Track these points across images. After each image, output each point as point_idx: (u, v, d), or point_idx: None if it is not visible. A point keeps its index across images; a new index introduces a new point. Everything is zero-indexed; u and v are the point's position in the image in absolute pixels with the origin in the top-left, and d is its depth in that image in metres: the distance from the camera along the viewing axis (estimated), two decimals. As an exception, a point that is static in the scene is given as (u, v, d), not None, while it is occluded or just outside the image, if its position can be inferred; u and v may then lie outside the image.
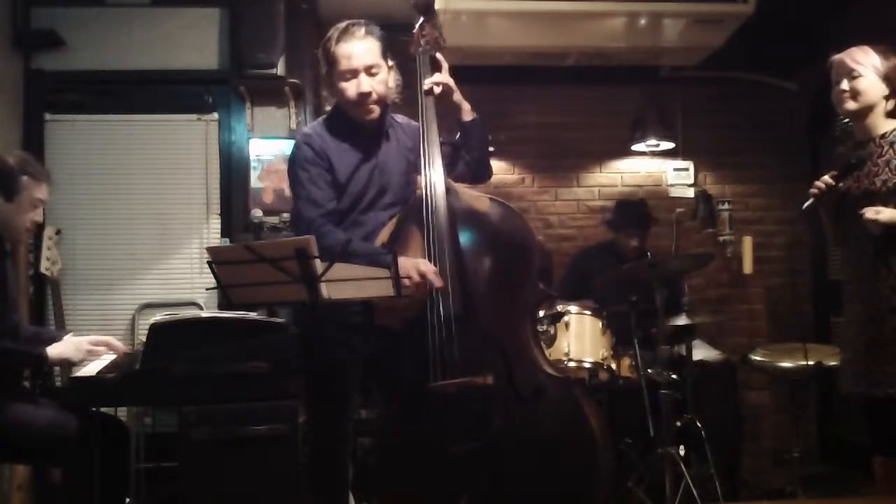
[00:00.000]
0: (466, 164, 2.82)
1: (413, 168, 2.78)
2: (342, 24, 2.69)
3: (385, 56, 2.70)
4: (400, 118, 2.88)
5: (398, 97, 2.80)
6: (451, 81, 2.74)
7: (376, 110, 2.70)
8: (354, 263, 2.45)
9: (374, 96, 2.66)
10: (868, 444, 2.90)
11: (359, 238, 2.62)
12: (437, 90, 2.70)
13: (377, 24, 2.73)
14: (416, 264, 2.48)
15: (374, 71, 2.65)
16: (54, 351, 2.70)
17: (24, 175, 2.79)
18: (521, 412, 2.50)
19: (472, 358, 2.48)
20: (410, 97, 2.78)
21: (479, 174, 2.88)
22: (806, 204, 2.81)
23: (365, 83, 2.64)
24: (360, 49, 2.63)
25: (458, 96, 2.78)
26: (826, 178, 2.77)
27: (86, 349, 2.74)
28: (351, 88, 2.65)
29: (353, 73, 2.64)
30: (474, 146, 2.82)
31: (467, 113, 2.79)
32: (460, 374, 2.46)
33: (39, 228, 4.05)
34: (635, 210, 4.59)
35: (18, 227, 2.82)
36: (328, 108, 2.85)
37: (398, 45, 2.85)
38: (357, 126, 2.73)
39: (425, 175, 2.62)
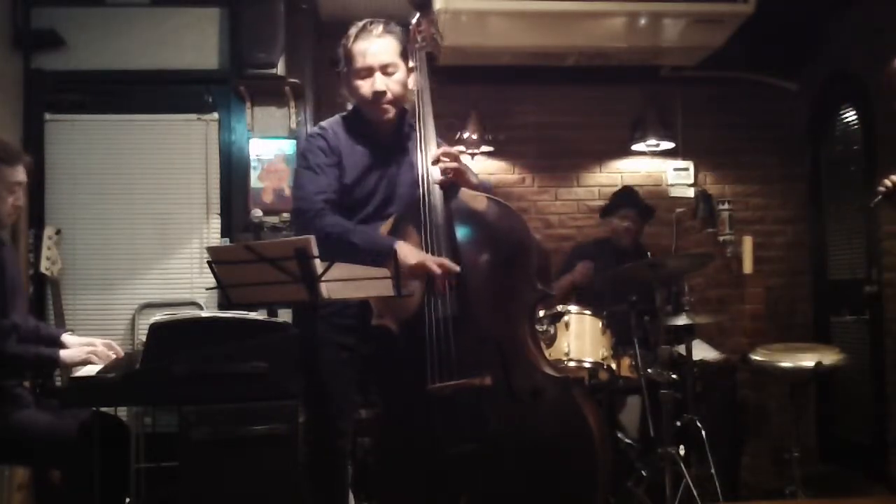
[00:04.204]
0: None
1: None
2: (361, 23, 2.66)
3: (405, 56, 2.66)
4: None
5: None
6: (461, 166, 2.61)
7: (391, 110, 2.66)
8: (356, 244, 2.45)
9: (389, 95, 2.63)
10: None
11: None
12: (449, 174, 2.58)
13: None
14: (424, 257, 2.44)
15: (390, 70, 2.62)
16: (67, 355, 2.71)
17: None
18: (519, 413, 2.49)
19: (469, 359, 2.47)
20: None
21: None
22: (874, 200, 2.73)
23: (379, 82, 2.61)
24: (376, 47, 2.61)
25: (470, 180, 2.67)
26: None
27: (92, 350, 2.74)
28: (365, 86, 2.62)
29: (369, 72, 2.61)
30: None
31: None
32: (458, 376, 2.44)
33: (39, 228, 4.09)
34: (624, 192, 4.66)
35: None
36: (349, 106, 2.80)
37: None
38: (373, 130, 2.70)
39: (422, 174, 2.59)
